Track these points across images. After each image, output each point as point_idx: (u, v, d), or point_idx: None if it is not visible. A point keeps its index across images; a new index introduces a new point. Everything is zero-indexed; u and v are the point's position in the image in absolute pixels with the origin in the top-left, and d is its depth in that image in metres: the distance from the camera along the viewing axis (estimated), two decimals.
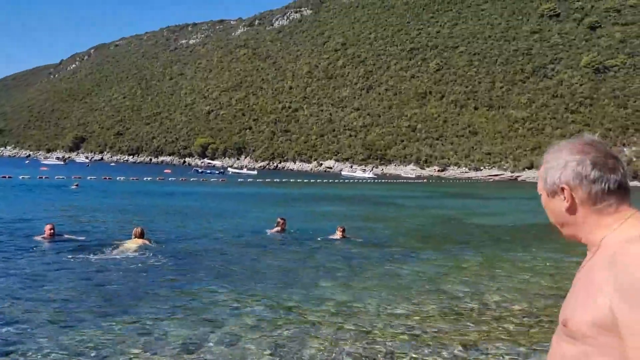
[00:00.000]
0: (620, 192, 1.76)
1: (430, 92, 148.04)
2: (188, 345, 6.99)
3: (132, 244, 14.36)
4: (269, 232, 17.70)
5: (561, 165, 1.79)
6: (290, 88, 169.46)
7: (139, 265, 12.51)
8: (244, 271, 12.12)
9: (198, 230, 19.12)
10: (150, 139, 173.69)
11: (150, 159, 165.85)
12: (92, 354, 6.56)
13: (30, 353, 6.52)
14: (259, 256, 14.12)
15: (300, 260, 13.65)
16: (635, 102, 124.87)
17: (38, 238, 14.87)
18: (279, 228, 17.69)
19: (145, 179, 59.05)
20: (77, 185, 42.21)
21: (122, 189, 43.54)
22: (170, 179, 63.59)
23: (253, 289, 10.32)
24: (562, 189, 1.78)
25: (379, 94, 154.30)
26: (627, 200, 1.78)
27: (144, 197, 35.95)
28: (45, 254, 13.23)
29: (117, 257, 13.19)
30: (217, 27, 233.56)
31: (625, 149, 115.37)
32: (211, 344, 7.06)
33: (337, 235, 16.44)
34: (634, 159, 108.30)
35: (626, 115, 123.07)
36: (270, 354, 6.76)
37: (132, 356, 6.55)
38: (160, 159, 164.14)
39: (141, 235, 14.59)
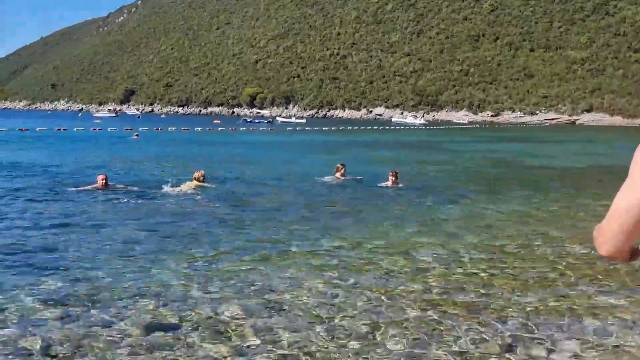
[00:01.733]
0: None
1: (483, 35, 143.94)
2: (243, 283, 7.16)
3: (191, 185, 14.94)
4: (328, 178, 17.59)
5: None
6: (338, 34, 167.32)
7: (197, 206, 12.91)
8: (298, 213, 12.25)
9: (252, 176, 19.37)
10: (199, 90, 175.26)
11: (200, 110, 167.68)
12: (151, 293, 6.79)
13: (93, 291, 6.79)
14: (312, 200, 14.25)
15: (354, 205, 13.69)
16: None
17: (90, 188, 15.18)
18: (339, 174, 17.55)
19: (196, 129, 59.80)
20: (137, 135, 43.74)
21: (177, 138, 44.44)
22: (220, 128, 64.27)
23: (306, 231, 10.44)
24: None
25: (430, 37, 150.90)
26: None
27: (197, 146, 36.60)
28: (99, 202, 13.58)
29: (175, 198, 13.74)
30: None
31: None
32: (265, 282, 7.21)
33: (390, 180, 16.27)
34: None
35: None
36: (322, 289, 6.87)
37: (186, 295, 6.75)
38: (209, 109, 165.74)
39: (201, 179, 15.09)
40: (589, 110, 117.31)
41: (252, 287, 6.95)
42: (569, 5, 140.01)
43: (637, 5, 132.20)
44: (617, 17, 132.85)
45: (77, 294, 6.63)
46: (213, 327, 5.65)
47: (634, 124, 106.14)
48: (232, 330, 5.58)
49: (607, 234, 1.74)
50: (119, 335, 5.43)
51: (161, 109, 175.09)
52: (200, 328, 5.63)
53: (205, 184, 15.25)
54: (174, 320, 5.85)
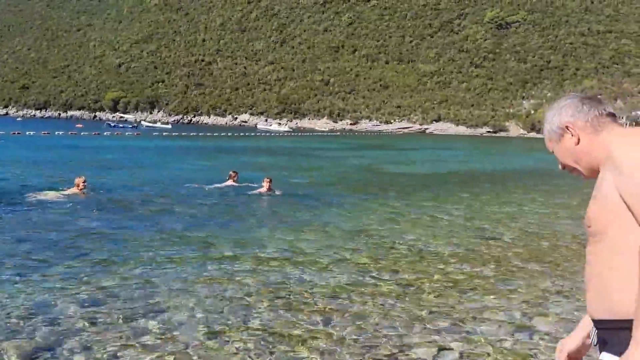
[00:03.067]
0: (611, 117, 2.11)
1: (343, 46, 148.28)
2: (126, 296, 7.07)
3: (70, 192, 14.40)
4: (219, 185, 17.33)
5: (557, 112, 2.17)
6: (204, 40, 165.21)
7: (76, 215, 12.35)
8: (181, 221, 12.13)
9: (130, 182, 18.79)
10: (59, 93, 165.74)
11: (59, 114, 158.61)
12: (23, 312, 6.53)
13: None
14: (194, 207, 14.14)
15: (234, 212, 13.77)
16: (534, 57, 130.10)
17: None
18: (231, 181, 17.43)
19: (57, 133, 56.66)
20: None
21: (40, 143, 41.82)
22: (82, 133, 61.31)
23: (188, 238, 10.41)
24: (567, 127, 2.13)
25: (293, 47, 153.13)
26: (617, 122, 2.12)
27: (63, 150, 34.76)
28: None
29: (54, 206, 13.14)
30: None
31: (524, 102, 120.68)
32: (148, 294, 7.17)
33: (264, 187, 16.30)
34: (532, 112, 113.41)
35: (526, 69, 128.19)
36: (208, 298, 6.96)
37: (62, 311, 6.57)
38: (70, 113, 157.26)
39: (82, 185, 14.50)
40: (437, 120, 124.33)
41: (135, 300, 6.89)
42: (419, 21, 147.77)
43: (477, 25, 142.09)
44: (461, 35, 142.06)
45: None
46: (91, 345, 5.56)
47: (476, 133, 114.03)
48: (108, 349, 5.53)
49: None
50: None
51: (17, 111, 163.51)
52: (78, 347, 5.46)
53: (82, 193, 14.65)
54: (49, 342, 5.48)
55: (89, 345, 5.35)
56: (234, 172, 17.83)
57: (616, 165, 1.91)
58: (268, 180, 16.30)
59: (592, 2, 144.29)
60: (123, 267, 8.13)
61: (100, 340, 5.44)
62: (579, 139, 2.11)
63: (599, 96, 2.21)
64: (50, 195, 14.18)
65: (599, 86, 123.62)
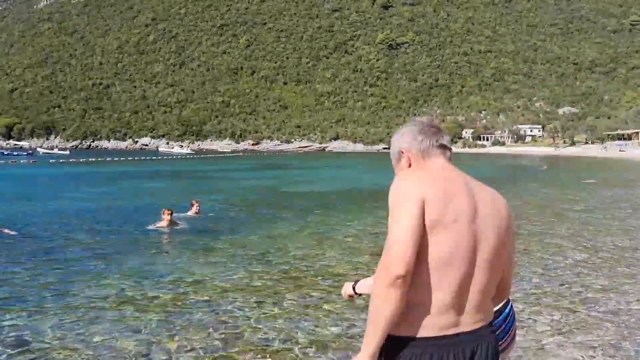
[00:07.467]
0: (441, 148, 2.38)
1: (241, 68, 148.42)
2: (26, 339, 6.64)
3: None
4: (182, 214, 15.94)
5: (398, 137, 2.45)
6: (101, 64, 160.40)
7: None
8: (90, 252, 11.55)
9: (26, 213, 17.70)
10: None
11: None
12: None
13: None
14: (104, 237, 13.53)
15: (141, 241, 13.28)
16: (423, 75, 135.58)
17: None
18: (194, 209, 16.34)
19: None
20: None
21: None
22: None
23: (106, 269, 9.92)
24: (402, 152, 2.42)
25: (192, 69, 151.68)
26: (446, 155, 2.39)
27: None
28: None
29: None
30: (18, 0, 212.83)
31: (415, 118, 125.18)
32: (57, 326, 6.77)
33: (165, 220, 15.05)
34: None
35: (416, 88, 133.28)
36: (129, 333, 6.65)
37: None
38: None
39: None
40: (335, 138, 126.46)
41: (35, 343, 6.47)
42: (314, 43, 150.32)
43: (370, 46, 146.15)
44: (354, 56, 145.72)
45: None
46: None
47: (373, 150, 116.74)
48: None
49: (398, 258, 2.04)
50: None
51: None
52: None
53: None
54: None
55: None
56: (195, 200, 16.87)
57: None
58: (169, 212, 15.19)
59: (473, 24, 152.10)
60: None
61: None
62: (410, 164, 2.39)
63: (438, 126, 2.43)
64: None
65: (482, 102, 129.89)
